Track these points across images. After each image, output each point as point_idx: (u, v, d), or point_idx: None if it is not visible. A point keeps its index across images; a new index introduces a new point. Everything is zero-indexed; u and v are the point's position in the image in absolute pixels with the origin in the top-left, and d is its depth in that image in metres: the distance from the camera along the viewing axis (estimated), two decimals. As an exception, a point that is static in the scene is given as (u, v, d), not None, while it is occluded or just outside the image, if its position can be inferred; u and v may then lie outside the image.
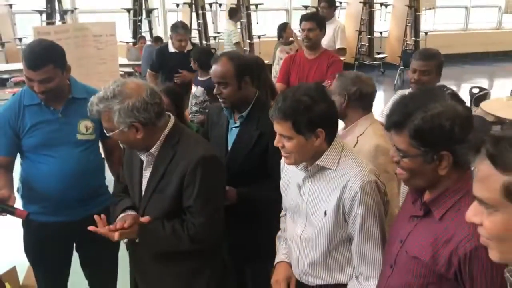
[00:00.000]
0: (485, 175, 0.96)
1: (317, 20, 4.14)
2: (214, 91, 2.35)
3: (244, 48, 11.26)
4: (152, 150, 1.92)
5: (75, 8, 10.53)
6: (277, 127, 1.72)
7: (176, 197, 1.90)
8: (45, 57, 2.20)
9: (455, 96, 1.48)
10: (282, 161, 1.90)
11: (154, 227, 1.91)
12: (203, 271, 2.04)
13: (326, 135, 1.72)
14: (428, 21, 12.83)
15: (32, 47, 2.27)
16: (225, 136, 2.38)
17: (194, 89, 4.33)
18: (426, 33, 12.01)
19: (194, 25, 11.06)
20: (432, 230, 1.39)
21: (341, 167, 1.75)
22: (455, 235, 1.32)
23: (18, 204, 2.27)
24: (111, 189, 2.36)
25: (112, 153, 2.64)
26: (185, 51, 4.81)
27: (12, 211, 2.14)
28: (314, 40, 4.14)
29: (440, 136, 1.35)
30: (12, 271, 2.82)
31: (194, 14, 11.14)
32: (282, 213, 2.12)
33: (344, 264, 1.83)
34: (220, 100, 2.34)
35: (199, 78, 4.38)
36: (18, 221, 2.37)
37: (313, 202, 1.81)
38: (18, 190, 2.45)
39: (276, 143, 1.75)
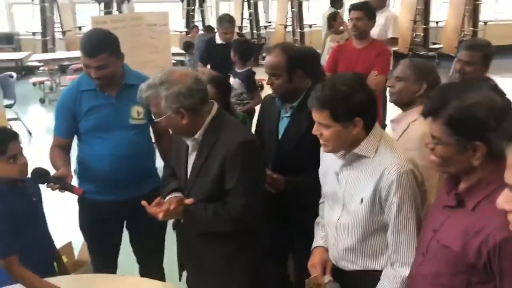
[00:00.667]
0: None
1: (366, 10, 4.12)
2: (266, 82, 2.40)
3: (295, 38, 11.23)
4: (196, 136, 2.02)
5: (132, -2, 10.87)
6: (316, 116, 1.76)
7: (218, 180, 1.98)
8: (101, 45, 2.34)
9: (496, 88, 1.47)
10: (321, 149, 1.95)
11: (197, 208, 2.01)
12: (244, 251, 2.12)
13: (364, 123, 1.74)
14: (489, 10, 12.28)
15: (88, 36, 2.42)
16: (276, 125, 2.41)
17: (231, 80, 4.31)
18: (485, 22, 11.51)
19: (246, 15, 11.14)
20: (464, 220, 1.40)
21: (378, 156, 1.77)
22: (486, 226, 1.32)
23: (75, 182, 2.44)
24: (160, 172, 2.48)
25: (161, 138, 2.74)
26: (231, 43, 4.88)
27: (70, 189, 2.30)
28: (363, 30, 4.12)
29: (474, 127, 1.35)
30: (68, 246, 3.00)
31: (245, 4, 11.22)
32: (321, 200, 2.17)
33: (379, 251, 1.86)
34: (271, 90, 2.39)
35: (237, 69, 4.38)
36: (74, 199, 2.55)
37: (350, 189, 1.84)
38: (75, 171, 2.62)
39: (315, 131, 1.79)
